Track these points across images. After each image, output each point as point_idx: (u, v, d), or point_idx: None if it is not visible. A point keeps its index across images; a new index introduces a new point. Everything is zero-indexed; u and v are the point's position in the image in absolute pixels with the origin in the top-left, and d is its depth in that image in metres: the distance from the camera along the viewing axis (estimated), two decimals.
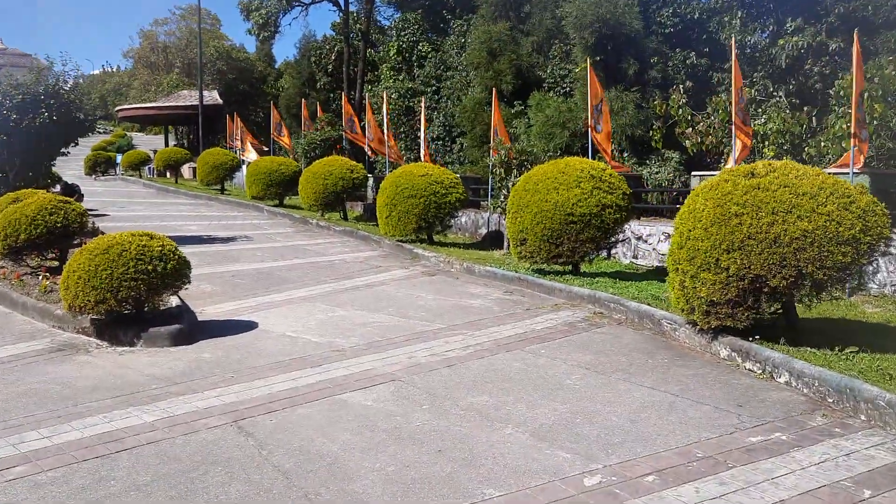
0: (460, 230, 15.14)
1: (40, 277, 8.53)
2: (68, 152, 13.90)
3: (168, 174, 30.44)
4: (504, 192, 11.94)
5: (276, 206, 19.35)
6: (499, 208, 12.22)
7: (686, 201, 6.30)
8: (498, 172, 11.78)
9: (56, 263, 9.40)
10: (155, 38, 46.01)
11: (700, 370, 5.64)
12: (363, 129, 20.32)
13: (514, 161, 11.60)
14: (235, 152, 24.41)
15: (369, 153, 18.78)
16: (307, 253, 12.60)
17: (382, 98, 19.68)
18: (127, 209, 19.49)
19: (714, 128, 13.64)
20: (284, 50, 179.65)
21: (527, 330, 7.07)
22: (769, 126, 12.40)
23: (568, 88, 20.57)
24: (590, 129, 11.97)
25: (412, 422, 4.65)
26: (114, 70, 67.54)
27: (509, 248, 12.12)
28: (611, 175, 9.44)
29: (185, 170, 30.63)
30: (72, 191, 16.17)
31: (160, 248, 6.80)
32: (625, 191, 9.35)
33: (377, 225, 15.94)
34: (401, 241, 12.92)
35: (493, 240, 13.61)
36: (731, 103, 10.29)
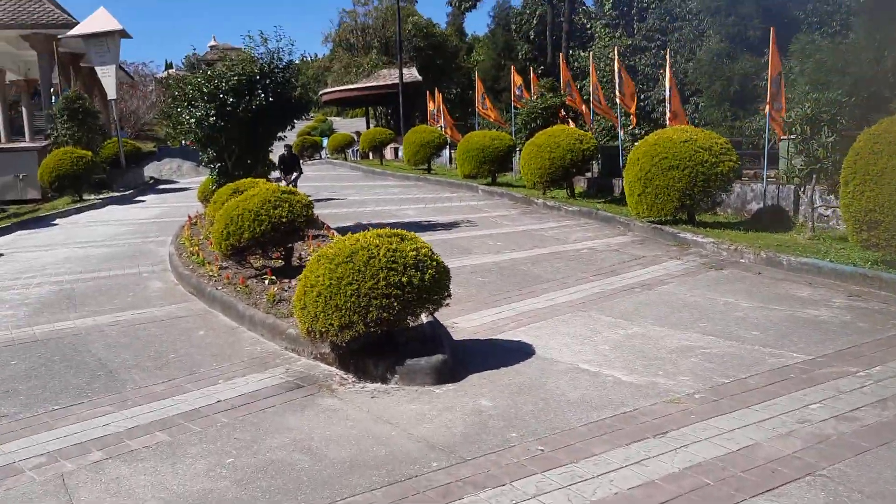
0: (720, 207, 12.45)
1: (266, 282, 7.34)
2: (285, 136, 13.04)
3: (371, 155, 30.11)
4: (802, 157, 9.17)
5: (489, 184, 17.68)
6: (795, 178, 9.44)
7: None
8: (801, 130, 8.99)
9: (281, 263, 8.24)
10: (355, 17, 46.28)
11: None
12: (579, 92, 18.01)
13: (825, 115, 8.76)
14: (442, 129, 23.11)
15: (616, 116, 16.35)
16: (546, 240, 10.66)
17: (613, 56, 17.18)
18: (339, 193, 18.80)
19: None
20: (473, 23, 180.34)
21: None
22: None
23: (837, 28, 16.78)
24: None
25: None
26: (311, 60, 70.31)
27: (813, 229, 9.35)
28: None
29: (387, 151, 30.13)
30: (291, 164, 15.26)
31: (414, 253, 5.12)
32: None
33: (609, 202, 13.75)
34: (654, 222, 10.59)
35: (771, 218, 10.80)
36: None
